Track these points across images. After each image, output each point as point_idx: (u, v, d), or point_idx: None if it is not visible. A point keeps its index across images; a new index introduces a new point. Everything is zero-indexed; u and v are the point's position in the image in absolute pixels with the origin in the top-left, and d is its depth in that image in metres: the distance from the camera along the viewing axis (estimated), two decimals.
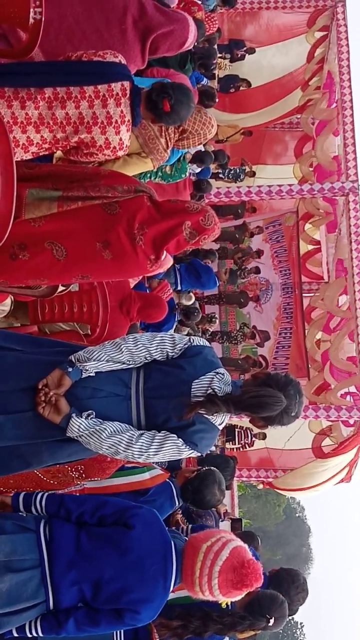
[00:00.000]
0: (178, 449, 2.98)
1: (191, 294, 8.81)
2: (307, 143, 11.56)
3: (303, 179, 11.15)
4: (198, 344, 3.11)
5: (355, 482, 10.84)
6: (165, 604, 3.17)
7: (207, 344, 3.19)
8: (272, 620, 3.73)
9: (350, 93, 10.46)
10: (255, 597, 3.82)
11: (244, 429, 11.43)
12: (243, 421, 10.69)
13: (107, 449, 2.94)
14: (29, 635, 2.93)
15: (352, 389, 10.22)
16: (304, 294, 11.83)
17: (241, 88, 11.21)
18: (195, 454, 3.08)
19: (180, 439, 2.97)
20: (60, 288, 4.29)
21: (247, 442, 11.54)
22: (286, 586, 4.38)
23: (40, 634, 2.92)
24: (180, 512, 4.92)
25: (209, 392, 3.00)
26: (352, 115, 10.44)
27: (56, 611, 2.86)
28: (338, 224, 10.69)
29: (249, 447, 11.59)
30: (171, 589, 2.89)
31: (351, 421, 9.53)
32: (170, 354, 3.08)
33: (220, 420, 3.06)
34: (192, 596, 3.02)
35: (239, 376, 11.02)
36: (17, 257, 3.47)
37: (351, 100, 10.43)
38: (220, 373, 3.08)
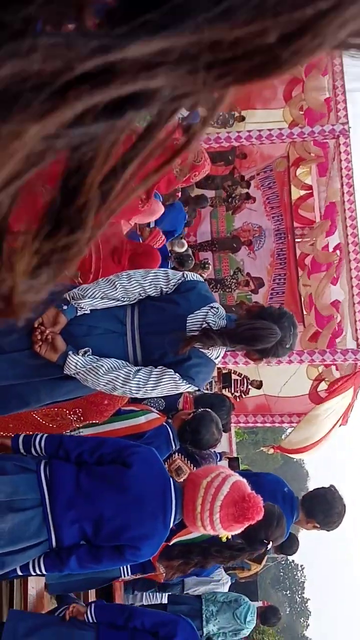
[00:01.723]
0: (175, 383, 2.99)
1: (183, 240, 8.76)
2: (297, 86, 11.38)
3: (293, 123, 10.99)
4: (192, 278, 3.11)
5: (351, 426, 10.89)
6: (167, 547, 3.24)
7: (201, 279, 3.19)
8: (270, 544, 3.79)
9: None
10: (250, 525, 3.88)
11: (241, 376, 11.47)
12: (240, 367, 10.72)
13: (104, 386, 2.95)
14: (33, 573, 2.98)
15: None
16: (296, 240, 11.75)
17: None
18: (192, 388, 3.10)
19: (177, 374, 2.98)
20: None
21: (242, 390, 11.57)
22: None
23: (44, 572, 2.97)
24: (181, 456, 4.95)
25: (204, 326, 3.01)
26: (340, 55, 10.27)
27: (59, 549, 2.90)
28: (329, 168, 10.59)
29: (245, 395, 11.63)
30: (171, 525, 2.93)
31: (346, 364, 9.53)
32: (164, 289, 3.08)
33: (216, 354, 3.08)
34: (192, 533, 3.08)
35: None
36: None
37: None
38: (214, 307, 3.08)
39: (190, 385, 3.04)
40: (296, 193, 11.88)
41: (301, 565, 60.95)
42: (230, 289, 11.59)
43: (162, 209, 6.36)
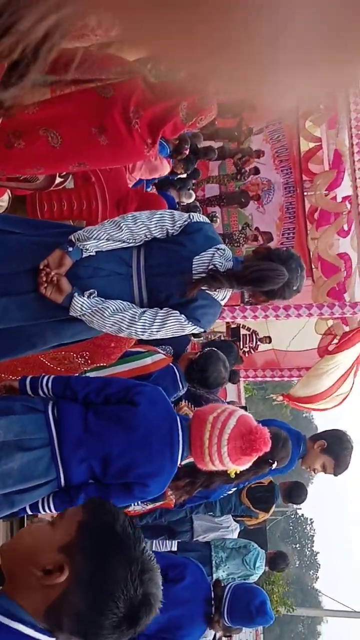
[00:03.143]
0: (181, 325, 3.00)
1: (191, 191, 8.72)
2: None
3: None
4: (198, 220, 3.10)
5: None
6: None
7: (207, 220, 3.18)
8: (275, 463, 3.83)
9: None
10: None
11: (250, 331, 11.47)
12: (248, 322, 10.71)
13: (110, 327, 2.96)
14: (42, 512, 3.01)
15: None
16: (305, 193, 11.66)
17: None
18: (198, 330, 3.10)
19: (182, 315, 2.99)
20: (58, 180, 4.25)
21: (252, 346, 11.58)
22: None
23: (53, 510, 3.00)
24: (187, 403, 4.99)
25: (210, 267, 3.01)
26: None
27: (68, 488, 2.93)
28: (338, 119, 10.46)
29: (254, 351, 11.64)
30: (179, 462, 2.96)
31: (356, 317, 9.51)
32: (170, 231, 3.06)
33: (222, 295, 3.08)
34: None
35: None
36: (12, 145, 3.42)
37: None
38: (221, 249, 3.07)
39: (195, 326, 3.04)
40: (305, 145, 11.75)
41: (310, 519, 61.43)
42: (239, 244, 11.52)
43: (167, 168, 6.31)
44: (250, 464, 2.95)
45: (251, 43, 0.41)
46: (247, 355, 11.29)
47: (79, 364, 3.66)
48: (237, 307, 9.31)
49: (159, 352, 4.19)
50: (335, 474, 5.04)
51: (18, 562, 1.64)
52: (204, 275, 2.99)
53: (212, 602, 3.86)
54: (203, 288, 2.99)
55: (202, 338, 6.77)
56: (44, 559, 1.59)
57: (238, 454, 2.87)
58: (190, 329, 3.04)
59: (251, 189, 11.71)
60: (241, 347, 11.23)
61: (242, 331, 11.35)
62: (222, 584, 3.99)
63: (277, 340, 11.40)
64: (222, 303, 3.12)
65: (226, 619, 3.91)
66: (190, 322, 3.00)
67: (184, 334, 3.11)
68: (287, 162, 11.92)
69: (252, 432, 2.84)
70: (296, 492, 6.15)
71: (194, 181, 8.91)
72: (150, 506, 4.57)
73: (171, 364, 4.19)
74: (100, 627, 1.57)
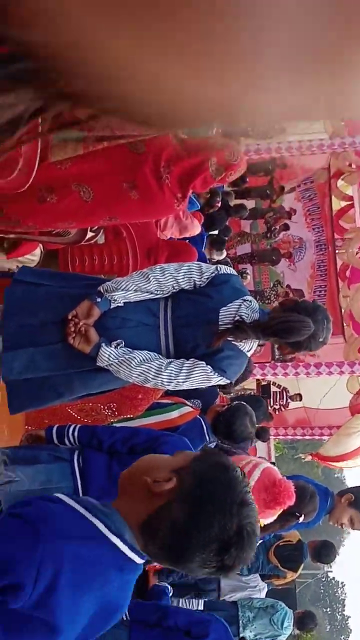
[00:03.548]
0: (207, 375, 3.00)
1: (223, 250, 8.78)
2: None
3: (334, 134, 10.98)
4: (225, 272, 3.13)
5: None
6: None
7: (234, 272, 3.21)
8: (302, 517, 3.79)
9: None
10: None
11: (281, 388, 11.42)
12: (279, 379, 10.66)
13: (136, 377, 2.98)
14: None
15: None
16: (337, 251, 11.72)
17: None
18: (224, 381, 3.11)
19: (208, 366, 3.00)
20: (89, 234, 4.32)
21: (282, 403, 11.52)
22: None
23: None
24: None
25: (236, 319, 3.03)
26: None
27: None
28: None
29: (285, 408, 11.58)
30: None
31: None
32: (197, 282, 3.10)
33: (249, 347, 3.08)
34: None
35: None
36: (44, 200, 3.49)
37: None
38: (247, 300, 3.09)
39: (222, 377, 3.05)
40: (337, 204, 11.84)
41: (342, 582, 60.10)
42: (270, 301, 11.57)
43: (198, 227, 6.37)
44: (275, 517, 2.92)
45: (234, 53, 0.41)
46: (277, 412, 11.22)
47: (106, 415, 3.68)
48: (267, 364, 9.30)
49: (187, 405, 4.18)
50: None
51: (134, 475, 1.83)
52: (230, 326, 3.01)
53: None
54: (229, 339, 3.00)
55: (231, 394, 6.76)
56: (158, 473, 1.77)
57: (262, 507, 2.85)
58: (216, 380, 3.04)
59: (283, 247, 11.80)
60: (271, 404, 11.18)
61: (273, 388, 11.30)
62: None
63: (308, 398, 11.33)
64: (249, 354, 3.13)
65: None
66: (217, 373, 3.01)
67: (210, 385, 3.12)
68: (318, 220, 12.02)
69: (276, 485, 2.83)
70: (325, 552, 6.05)
71: (225, 238, 8.99)
72: None
73: (198, 417, 4.18)
74: (191, 544, 1.67)
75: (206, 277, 3.09)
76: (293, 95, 0.43)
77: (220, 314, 3.05)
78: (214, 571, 1.72)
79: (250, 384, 10.62)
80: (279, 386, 11.39)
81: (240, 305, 3.06)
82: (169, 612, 3.81)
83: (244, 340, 3.02)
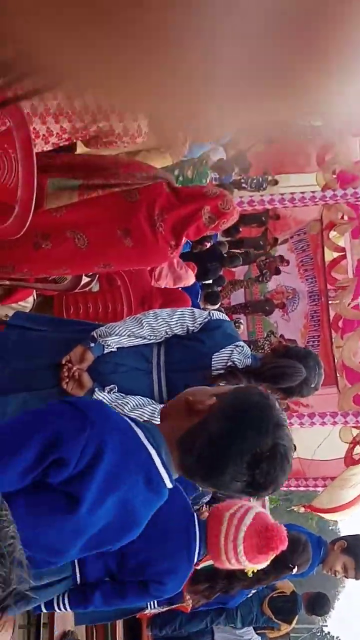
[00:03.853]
0: None
1: (217, 303, 8.77)
2: (330, 150, 11.56)
3: (326, 186, 11.13)
4: (218, 317, 3.16)
5: None
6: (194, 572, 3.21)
7: (227, 318, 3.24)
8: (295, 569, 3.75)
9: None
10: None
11: None
12: None
13: None
14: (57, 610, 2.97)
15: None
16: (330, 302, 11.81)
17: None
18: None
19: None
20: (84, 280, 4.36)
21: None
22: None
23: (69, 609, 2.95)
24: (206, 505, 4.93)
25: (229, 364, 3.04)
26: None
27: (83, 585, 2.90)
28: None
29: None
30: (195, 560, 2.92)
31: None
32: (190, 328, 3.12)
33: None
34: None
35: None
36: (40, 246, 3.54)
37: None
38: (240, 346, 3.12)
39: None
40: (329, 255, 11.96)
41: (337, 637, 58.94)
42: (264, 351, 11.59)
43: (192, 277, 6.43)
44: (267, 562, 2.90)
45: (184, 71, 0.41)
46: None
47: None
48: None
49: None
50: (358, 577, 4.92)
51: (177, 400, 2.01)
52: (222, 371, 3.02)
53: None
54: (221, 384, 3.01)
55: None
56: (200, 396, 1.92)
57: (254, 552, 2.83)
58: None
59: (276, 297, 11.88)
60: None
61: None
62: None
63: (302, 449, 11.26)
64: None
65: None
66: None
67: None
68: (311, 270, 12.13)
69: (269, 529, 2.82)
70: (319, 604, 5.98)
71: (219, 290, 9.05)
72: (166, 608, 4.45)
73: None
74: (225, 455, 1.78)
75: (199, 322, 3.12)
76: (245, 112, 0.44)
77: (212, 360, 3.06)
78: (244, 486, 1.80)
79: None
80: None
81: (232, 350, 3.08)
82: None
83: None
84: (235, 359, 3.06)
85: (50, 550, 1.75)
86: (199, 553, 2.92)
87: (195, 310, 3.19)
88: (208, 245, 8.01)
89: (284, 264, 11.92)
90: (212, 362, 3.06)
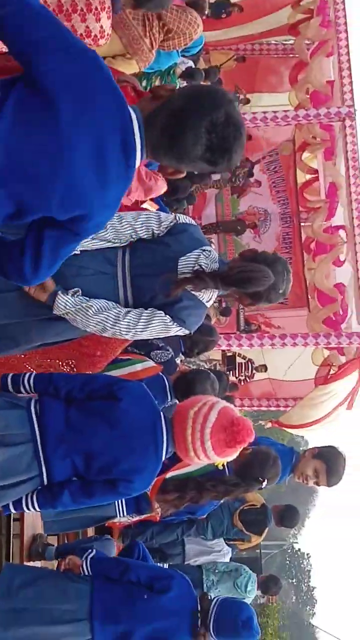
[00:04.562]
0: (166, 325, 2.98)
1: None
2: (303, 70, 11.33)
3: (299, 106, 10.95)
4: (184, 221, 3.10)
5: (357, 411, 10.82)
6: (162, 481, 3.23)
7: (193, 222, 3.18)
8: (265, 482, 3.80)
9: (344, 16, 10.27)
10: (245, 461, 3.89)
11: (246, 360, 11.45)
12: (244, 350, 10.69)
13: (94, 326, 2.94)
14: (26, 510, 2.98)
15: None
16: (302, 224, 11.72)
17: (233, 13, 11.02)
18: (183, 332, 3.08)
19: (167, 316, 2.97)
20: None
21: (247, 374, 11.56)
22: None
23: (37, 508, 2.97)
24: None
25: (195, 268, 3.00)
26: (346, 38, 10.22)
27: (51, 485, 2.90)
28: (335, 151, 10.54)
29: (250, 379, 11.62)
30: (163, 457, 2.92)
31: (352, 347, 9.47)
32: (155, 231, 3.06)
33: (208, 297, 3.06)
34: (188, 467, 3.08)
35: (238, 306, 11.00)
36: None
37: (345, 23, 10.22)
38: (207, 250, 3.07)
39: (181, 328, 3.03)
40: (302, 177, 11.84)
41: (307, 554, 60.79)
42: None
43: (163, 186, 6.33)
44: (237, 454, 2.91)
45: None
46: (242, 383, 11.26)
47: (65, 372, 3.63)
48: (232, 335, 9.31)
49: (149, 360, 4.15)
50: (329, 484, 4.97)
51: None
52: (189, 275, 2.98)
53: (199, 614, 3.79)
54: (188, 289, 2.97)
55: (192, 363, 6.76)
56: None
57: (222, 447, 2.84)
58: (175, 330, 3.02)
59: (248, 218, 11.78)
60: (237, 375, 11.21)
61: (238, 359, 11.33)
62: (209, 597, 3.92)
63: (273, 369, 11.39)
64: (208, 305, 3.11)
65: (212, 632, 3.84)
66: (176, 323, 2.99)
67: (169, 335, 3.09)
68: (284, 192, 12.02)
69: (234, 423, 2.82)
70: (288, 515, 6.10)
71: (190, 206, 8.94)
72: (136, 518, 4.50)
73: (161, 374, 4.16)
74: (186, 124, 2.05)
75: (165, 226, 3.06)
76: None
77: (179, 264, 3.02)
78: (204, 151, 2.06)
79: (215, 355, 10.63)
80: (244, 357, 11.42)
81: (199, 254, 3.04)
82: (131, 566, 3.80)
83: (203, 290, 3.00)
84: (202, 263, 3.01)
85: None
86: (166, 450, 2.92)
87: (161, 213, 3.12)
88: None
89: (255, 185, 11.80)
90: (179, 267, 3.01)
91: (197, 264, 3.01)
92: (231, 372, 11.04)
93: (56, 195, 2.01)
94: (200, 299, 3.03)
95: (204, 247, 3.07)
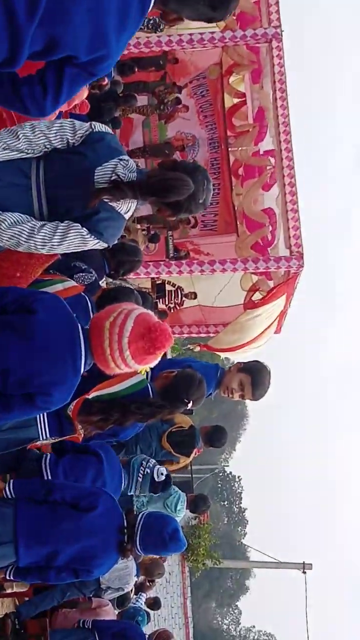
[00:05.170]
0: (83, 238, 2.91)
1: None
2: None
3: (226, 27, 10.73)
4: (100, 130, 2.99)
5: (285, 335, 10.95)
6: (86, 402, 3.18)
7: (110, 131, 3.07)
8: (190, 403, 3.80)
9: None
10: (170, 383, 3.89)
11: (175, 287, 11.42)
12: (173, 277, 10.66)
13: (7, 240, 2.85)
14: None
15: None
16: (230, 149, 11.59)
17: None
18: (101, 245, 3.01)
19: (84, 228, 2.89)
20: None
21: (177, 302, 11.54)
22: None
23: None
24: None
25: (113, 178, 2.91)
26: None
27: None
28: (262, 74, 10.40)
29: (179, 306, 11.61)
30: (82, 370, 2.87)
31: (280, 271, 9.52)
32: (70, 141, 2.95)
33: (126, 208, 2.99)
34: (112, 387, 3.05)
35: (166, 233, 10.93)
36: None
37: None
38: (124, 159, 2.98)
39: (98, 240, 2.95)
40: (229, 101, 11.68)
41: (238, 477, 62.58)
42: None
43: (84, 93, 6.15)
44: (158, 359, 2.89)
45: None
46: (172, 311, 11.25)
47: None
48: (162, 262, 9.25)
49: (71, 280, 4.06)
50: (254, 396, 5.01)
51: None
52: (106, 185, 2.89)
53: (125, 530, 3.82)
54: (106, 200, 2.89)
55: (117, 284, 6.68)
56: None
57: (142, 354, 2.81)
58: (93, 243, 2.95)
59: (175, 143, 11.61)
60: (166, 303, 11.20)
61: (168, 287, 11.29)
62: (135, 512, 3.95)
63: (203, 296, 11.39)
64: (126, 217, 3.03)
65: (139, 547, 3.88)
66: (93, 236, 2.91)
67: (86, 248, 3.01)
68: (211, 117, 11.85)
69: (152, 330, 2.78)
70: (216, 435, 6.16)
71: (117, 131, 8.74)
72: (58, 439, 4.47)
73: (83, 293, 4.08)
74: None
75: (80, 135, 2.95)
76: None
77: (95, 174, 2.92)
78: None
79: (145, 283, 10.58)
80: (173, 285, 11.38)
81: (116, 164, 2.95)
82: (55, 486, 3.79)
83: (121, 201, 2.92)
84: (119, 173, 2.92)
85: None
86: (85, 362, 2.86)
87: (76, 121, 3.00)
88: (107, 84, 7.67)
89: (183, 110, 11.60)
90: (95, 177, 2.92)
91: (114, 174, 2.92)
92: (161, 299, 11.00)
93: (85, 36, 2.22)
94: (119, 211, 2.95)
95: (121, 157, 2.98)
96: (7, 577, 3.86)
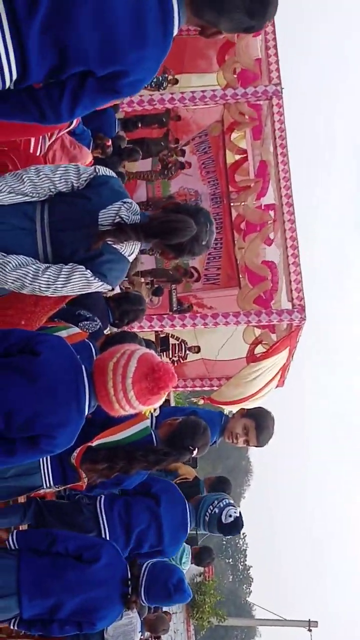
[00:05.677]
0: (87, 280, 2.91)
1: None
2: (230, 50, 11.32)
3: (227, 86, 10.96)
4: (104, 173, 3.02)
5: (289, 388, 10.93)
6: (91, 449, 3.15)
7: (114, 174, 3.10)
8: (195, 451, 3.76)
9: None
10: (175, 430, 3.85)
11: (179, 341, 11.44)
12: (177, 331, 10.67)
13: (12, 283, 2.85)
14: None
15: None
16: (232, 204, 11.73)
17: None
18: (105, 287, 3.01)
19: (88, 270, 2.90)
20: None
21: (181, 355, 11.56)
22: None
23: None
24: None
25: (116, 220, 2.93)
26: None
27: None
28: (263, 130, 10.57)
29: (183, 360, 11.62)
30: (86, 411, 2.84)
31: (283, 325, 9.54)
32: (75, 184, 2.98)
33: (130, 250, 3.00)
34: (117, 434, 3.03)
35: (170, 287, 10.99)
36: None
37: None
38: (127, 202, 3.00)
39: (102, 282, 2.95)
40: (231, 158, 11.87)
41: (243, 534, 61.82)
42: None
43: (88, 156, 6.23)
44: (162, 400, 2.87)
45: None
46: (176, 364, 11.25)
47: None
48: (165, 316, 9.28)
49: (74, 327, 4.06)
50: (259, 441, 4.96)
51: None
52: (109, 228, 2.91)
53: (129, 582, 3.74)
54: (109, 242, 2.90)
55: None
56: None
57: (146, 394, 2.79)
58: (97, 285, 2.95)
59: (178, 199, 11.75)
60: (170, 356, 11.20)
61: (171, 340, 11.32)
62: (139, 563, 3.88)
63: (206, 350, 11.40)
64: (130, 259, 3.04)
65: (143, 598, 3.80)
66: (97, 278, 2.92)
67: (90, 291, 3.02)
68: (213, 173, 12.02)
69: (155, 370, 2.76)
70: (221, 486, 6.08)
71: None
72: (62, 487, 4.42)
73: (87, 340, 4.08)
74: None
75: (84, 178, 2.98)
76: None
77: (99, 217, 2.94)
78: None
79: (148, 336, 10.60)
80: (177, 338, 11.41)
81: (120, 207, 2.97)
82: (59, 537, 3.73)
83: (124, 243, 2.93)
84: (123, 215, 2.94)
85: None
86: (89, 404, 2.84)
87: (80, 166, 3.03)
88: (110, 145, 7.78)
89: (186, 166, 11.78)
90: (99, 220, 2.93)
91: (118, 216, 2.94)
92: (164, 353, 11.02)
93: (94, 45, 2.24)
94: (122, 253, 2.96)
95: (124, 200, 3.00)
96: (11, 628, 3.79)
